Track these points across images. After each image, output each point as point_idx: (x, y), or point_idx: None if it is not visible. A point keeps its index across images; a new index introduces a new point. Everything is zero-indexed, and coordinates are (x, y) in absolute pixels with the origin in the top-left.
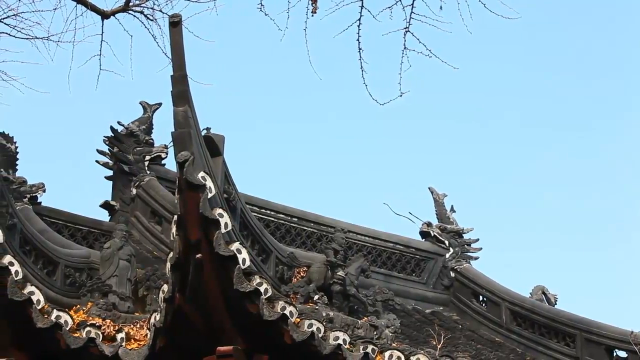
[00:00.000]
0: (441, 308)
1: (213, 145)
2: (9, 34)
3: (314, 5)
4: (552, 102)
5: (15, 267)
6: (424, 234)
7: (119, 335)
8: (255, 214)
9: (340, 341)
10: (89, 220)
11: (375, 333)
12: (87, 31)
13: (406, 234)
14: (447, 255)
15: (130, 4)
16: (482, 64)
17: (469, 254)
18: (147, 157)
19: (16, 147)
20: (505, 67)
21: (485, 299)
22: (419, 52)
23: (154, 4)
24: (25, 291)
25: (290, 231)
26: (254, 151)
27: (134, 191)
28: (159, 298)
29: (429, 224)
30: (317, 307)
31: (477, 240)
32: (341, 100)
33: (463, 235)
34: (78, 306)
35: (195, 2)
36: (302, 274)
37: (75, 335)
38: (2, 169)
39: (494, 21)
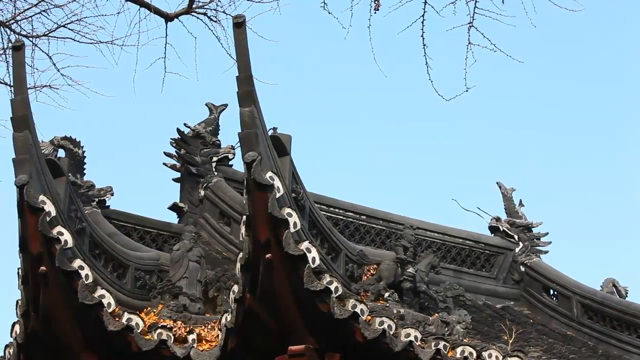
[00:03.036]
0: (512, 303)
1: (280, 145)
2: (74, 39)
3: (376, 2)
4: (623, 93)
5: (85, 271)
6: (493, 229)
7: (191, 337)
8: (324, 213)
9: (411, 338)
10: (158, 223)
11: (446, 329)
12: (151, 34)
13: (475, 229)
14: (517, 250)
15: (194, 6)
16: (546, 57)
17: (538, 247)
18: (215, 159)
19: (83, 152)
20: (570, 60)
21: (555, 292)
22: (484, 46)
23: (217, 6)
24: (96, 295)
25: (359, 229)
26: (322, 150)
27: (202, 192)
28: (229, 299)
29: (497, 219)
30: (387, 305)
31: (547, 234)
32: (407, 98)
33: (532, 229)
34: (149, 308)
35: (259, 2)
36: (372, 272)
37: (147, 337)
38: (70, 174)
39: (558, 14)
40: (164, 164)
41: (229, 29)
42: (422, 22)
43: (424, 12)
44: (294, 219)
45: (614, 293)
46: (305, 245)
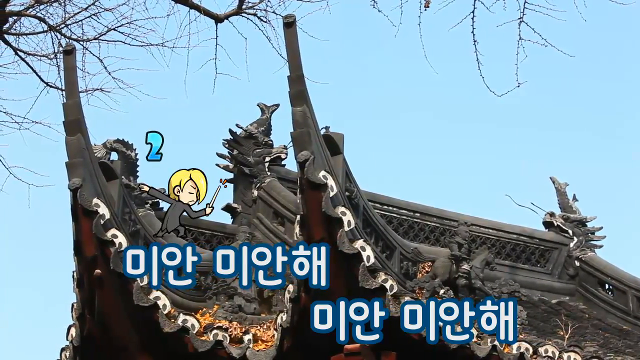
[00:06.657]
0: (567, 298)
1: (333, 144)
2: (124, 42)
3: None
4: None
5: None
6: (547, 224)
7: (246, 337)
8: (378, 211)
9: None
10: (212, 224)
11: None
12: (201, 36)
13: (529, 224)
14: (572, 245)
15: (243, 6)
16: (595, 50)
17: (593, 242)
18: (267, 159)
19: (136, 154)
20: (622, 52)
21: (611, 287)
22: (534, 42)
23: (267, 6)
24: (151, 296)
25: (414, 226)
26: (374, 148)
27: (256, 193)
28: (284, 298)
29: (552, 214)
30: None
31: (601, 228)
32: (459, 95)
33: (586, 223)
34: (204, 309)
35: (308, 1)
36: (427, 269)
37: (203, 338)
38: (123, 176)
39: (609, 7)
40: (217, 164)
41: (279, 29)
42: (473, 19)
43: (474, 8)
44: (348, 217)
45: None
46: (359, 243)
